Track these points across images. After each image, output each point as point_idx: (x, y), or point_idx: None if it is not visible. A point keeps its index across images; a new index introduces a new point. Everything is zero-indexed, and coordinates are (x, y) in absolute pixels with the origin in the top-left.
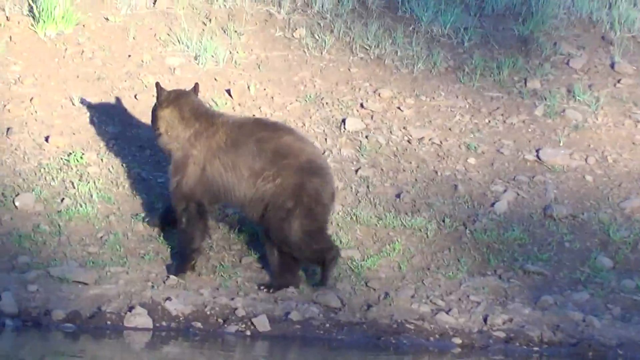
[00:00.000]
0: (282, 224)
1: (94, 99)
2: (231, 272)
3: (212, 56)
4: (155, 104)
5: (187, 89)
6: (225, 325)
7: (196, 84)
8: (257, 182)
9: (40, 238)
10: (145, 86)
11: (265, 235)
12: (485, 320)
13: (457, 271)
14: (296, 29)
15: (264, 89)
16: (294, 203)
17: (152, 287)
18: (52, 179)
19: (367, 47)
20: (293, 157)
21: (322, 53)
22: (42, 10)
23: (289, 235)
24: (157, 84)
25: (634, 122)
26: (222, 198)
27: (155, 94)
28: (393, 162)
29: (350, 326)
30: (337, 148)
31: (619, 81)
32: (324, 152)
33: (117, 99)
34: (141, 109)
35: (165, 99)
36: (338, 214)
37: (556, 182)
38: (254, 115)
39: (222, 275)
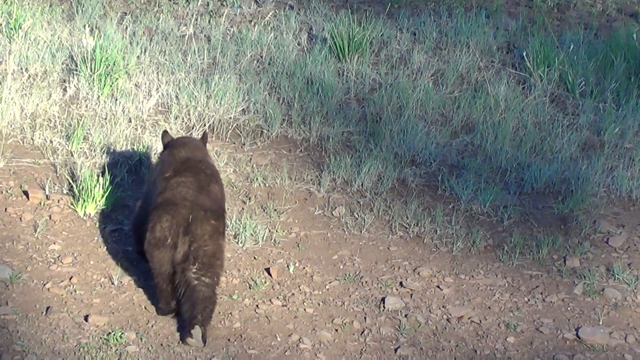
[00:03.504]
0: None
1: (133, 278)
2: None
3: (252, 235)
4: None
5: (192, 137)
6: None
7: (205, 133)
8: None
9: None
10: None
11: None
12: None
13: None
14: (335, 208)
15: (303, 268)
16: None
17: None
18: (92, 358)
19: (407, 226)
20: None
21: (361, 232)
22: (82, 189)
23: None
24: (165, 132)
25: None
26: None
27: (161, 140)
28: (432, 341)
29: None
30: (377, 327)
31: None
32: (363, 332)
33: None
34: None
35: (169, 142)
36: None
37: None
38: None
39: None
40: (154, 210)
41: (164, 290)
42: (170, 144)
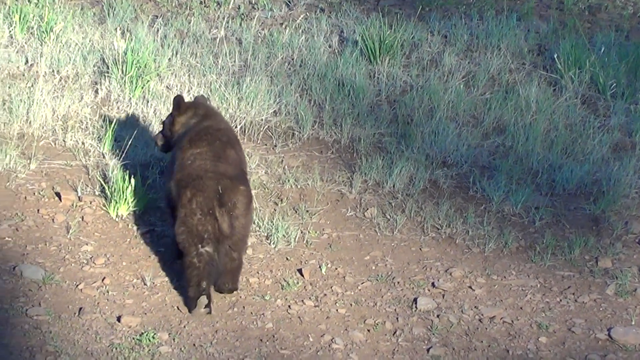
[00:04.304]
0: None
1: (165, 279)
2: None
3: (284, 236)
4: (172, 113)
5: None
6: None
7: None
8: None
9: None
10: None
11: None
12: None
13: None
14: (367, 209)
15: (336, 269)
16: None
17: None
18: (124, 358)
19: (439, 227)
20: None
21: (393, 232)
22: (114, 190)
23: None
24: (179, 96)
25: None
26: None
27: (175, 105)
28: (464, 341)
29: None
30: (409, 327)
31: None
32: (395, 332)
33: None
34: (213, 290)
35: (186, 105)
36: None
37: None
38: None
39: None
40: (182, 189)
41: (195, 268)
42: (189, 110)
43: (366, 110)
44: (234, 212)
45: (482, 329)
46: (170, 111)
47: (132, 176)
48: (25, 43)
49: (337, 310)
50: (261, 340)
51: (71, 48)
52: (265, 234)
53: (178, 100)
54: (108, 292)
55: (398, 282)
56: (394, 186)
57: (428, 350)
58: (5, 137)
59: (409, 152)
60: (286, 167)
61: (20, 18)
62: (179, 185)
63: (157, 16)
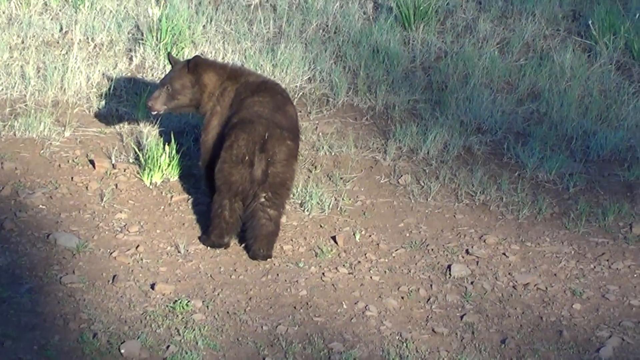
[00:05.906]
0: None
1: (199, 246)
2: None
3: (318, 203)
4: (189, 76)
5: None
6: None
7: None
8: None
9: None
10: None
11: None
12: None
13: None
14: (401, 176)
15: (370, 236)
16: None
17: None
18: (158, 326)
19: (473, 194)
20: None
21: (427, 199)
22: (148, 158)
23: None
24: (197, 57)
25: None
26: None
27: (193, 64)
28: (498, 308)
29: None
30: (443, 294)
31: None
32: (429, 299)
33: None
34: (247, 257)
35: (203, 64)
36: (443, 359)
37: None
38: (279, 87)
39: None
40: (230, 130)
41: (222, 220)
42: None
43: (400, 76)
44: (273, 158)
45: (516, 295)
46: (191, 69)
47: (166, 143)
48: (60, 10)
49: (371, 277)
50: (295, 307)
51: (105, 15)
52: (299, 201)
53: (196, 60)
54: (142, 259)
55: (432, 249)
56: (428, 153)
57: (462, 317)
58: (40, 104)
59: (443, 118)
60: (320, 133)
61: None
62: (231, 127)
63: None
